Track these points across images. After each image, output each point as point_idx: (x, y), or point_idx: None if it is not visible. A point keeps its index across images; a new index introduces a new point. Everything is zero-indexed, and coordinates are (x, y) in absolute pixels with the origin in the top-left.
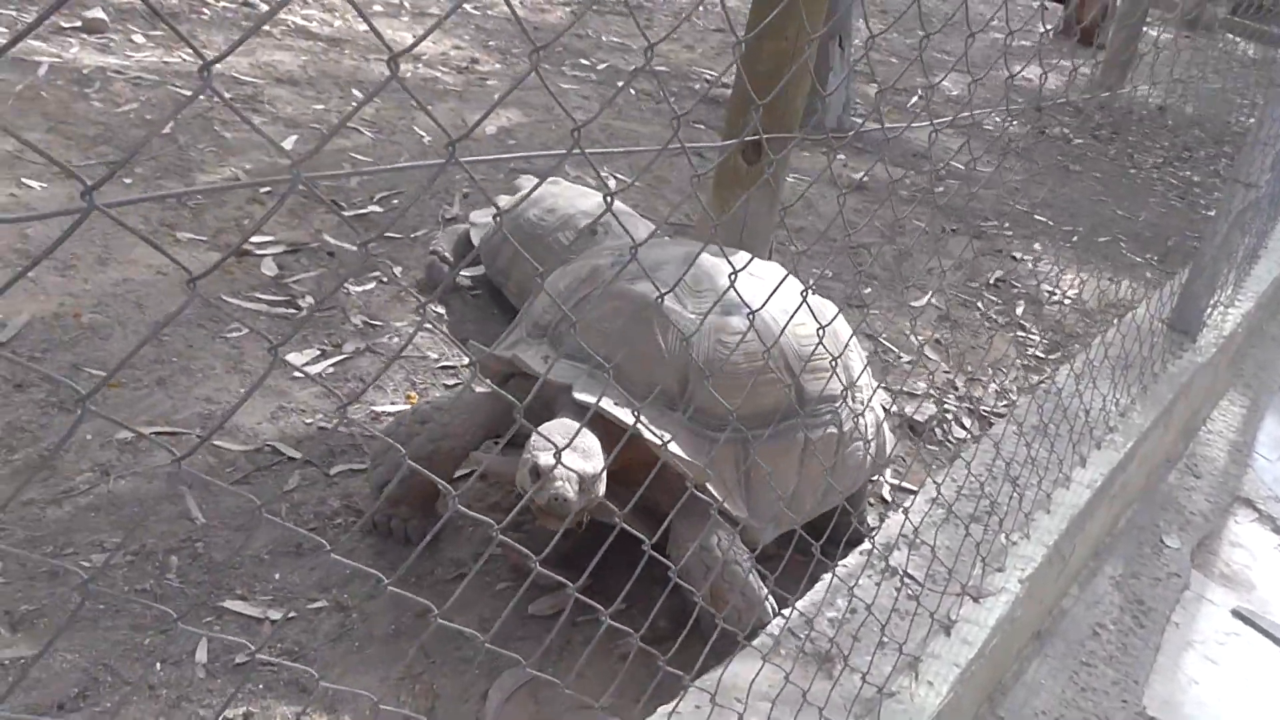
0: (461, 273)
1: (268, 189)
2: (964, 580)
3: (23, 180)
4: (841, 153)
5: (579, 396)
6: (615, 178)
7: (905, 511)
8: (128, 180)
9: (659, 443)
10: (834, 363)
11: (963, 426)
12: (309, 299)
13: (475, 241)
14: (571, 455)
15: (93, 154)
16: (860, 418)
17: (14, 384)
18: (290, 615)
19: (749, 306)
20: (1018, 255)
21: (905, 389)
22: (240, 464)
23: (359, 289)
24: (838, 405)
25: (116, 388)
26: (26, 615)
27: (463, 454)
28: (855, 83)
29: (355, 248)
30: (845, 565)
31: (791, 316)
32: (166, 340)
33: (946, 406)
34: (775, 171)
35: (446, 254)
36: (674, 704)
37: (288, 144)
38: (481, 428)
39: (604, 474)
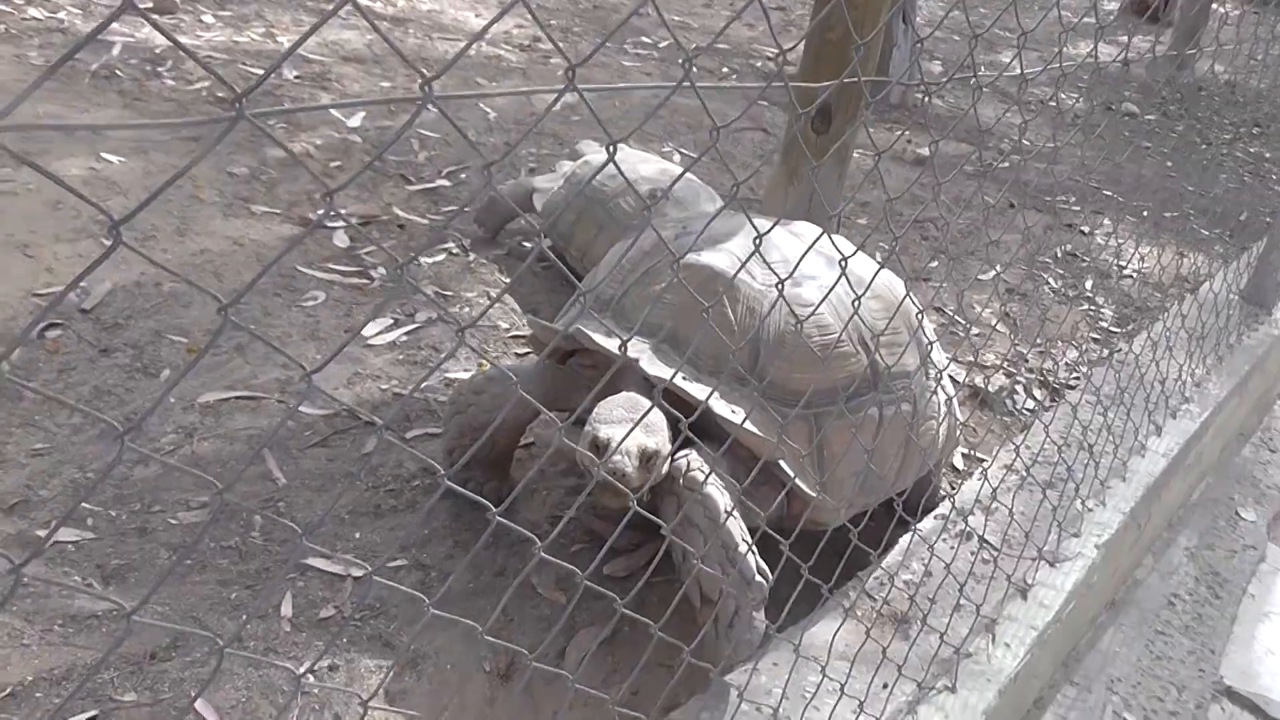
0: (528, 244)
1: (338, 162)
2: (1040, 545)
3: (101, 155)
4: (905, 129)
5: (647, 370)
6: (680, 153)
7: (984, 473)
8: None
9: (734, 420)
10: (910, 336)
11: (1033, 398)
12: (380, 270)
13: (538, 206)
14: (634, 430)
15: (167, 130)
16: (934, 394)
17: (100, 349)
18: (371, 573)
19: (818, 278)
20: (1086, 230)
21: (975, 361)
22: (319, 428)
23: (430, 260)
24: (912, 381)
25: (196, 352)
26: (117, 569)
27: (519, 426)
28: (920, 59)
29: (425, 220)
30: (920, 529)
31: (867, 287)
32: (244, 308)
33: (1017, 378)
34: (845, 140)
35: (505, 197)
36: (753, 662)
37: (354, 121)
38: (539, 400)
39: (668, 451)
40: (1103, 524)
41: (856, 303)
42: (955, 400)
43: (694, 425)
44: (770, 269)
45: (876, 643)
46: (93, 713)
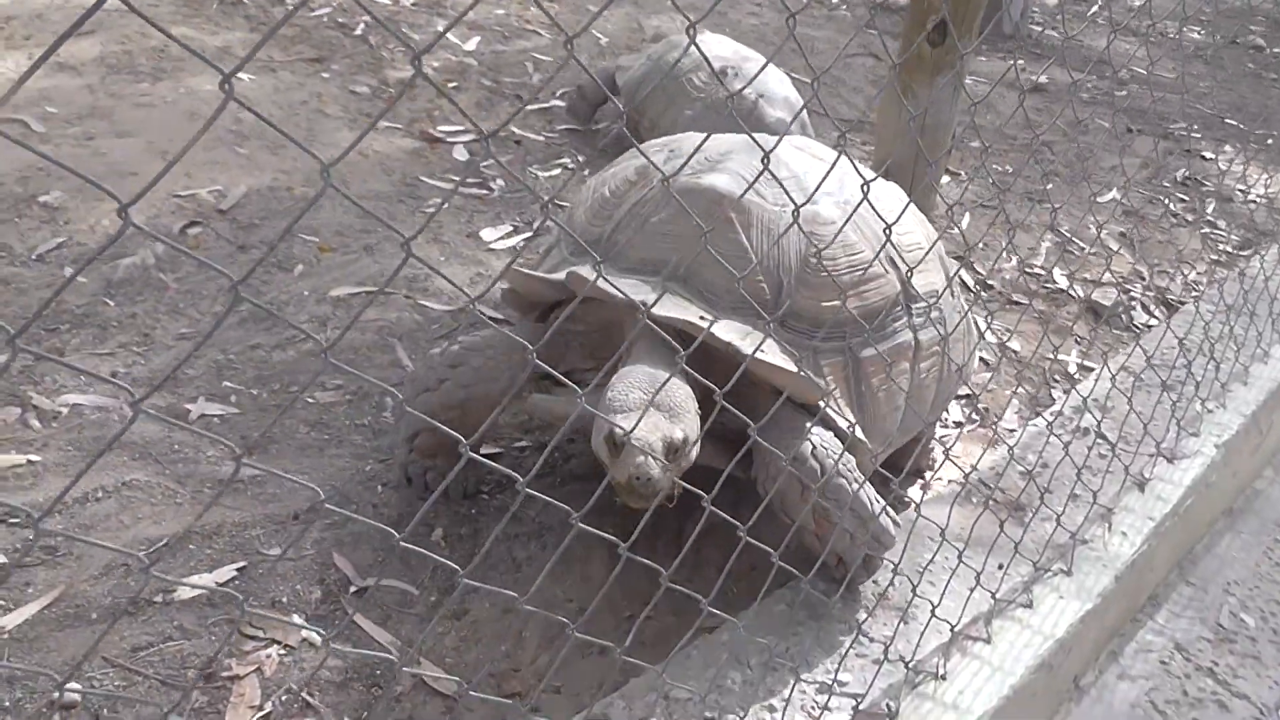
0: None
1: (455, 83)
2: (1158, 440)
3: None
4: (1020, 58)
5: (663, 313)
6: (792, 76)
7: (1105, 358)
8: (325, 75)
9: (791, 368)
10: (930, 247)
11: (1149, 313)
12: (499, 181)
13: (619, 81)
14: (655, 415)
15: (292, 52)
16: (960, 313)
17: (237, 245)
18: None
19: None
20: (1207, 155)
21: (1089, 277)
22: (444, 321)
23: (546, 174)
24: (940, 299)
25: (329, 252)
26: (259, 442)
27: (499, 397)
28: None
29: (540, 138)
30: (1034, 425)
31: (901, 213)
32: (372, 211)
33: (1133, 295)
34: (961, 54)
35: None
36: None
37: (470, 45)
38: (521, 368)
39: (699, 434)
40: (1222, 425)
41: (888, 231)
42: (972, 316)
43: (720, 375)
44: (781, 186)
45: (992, 525)
46: (241, 563)
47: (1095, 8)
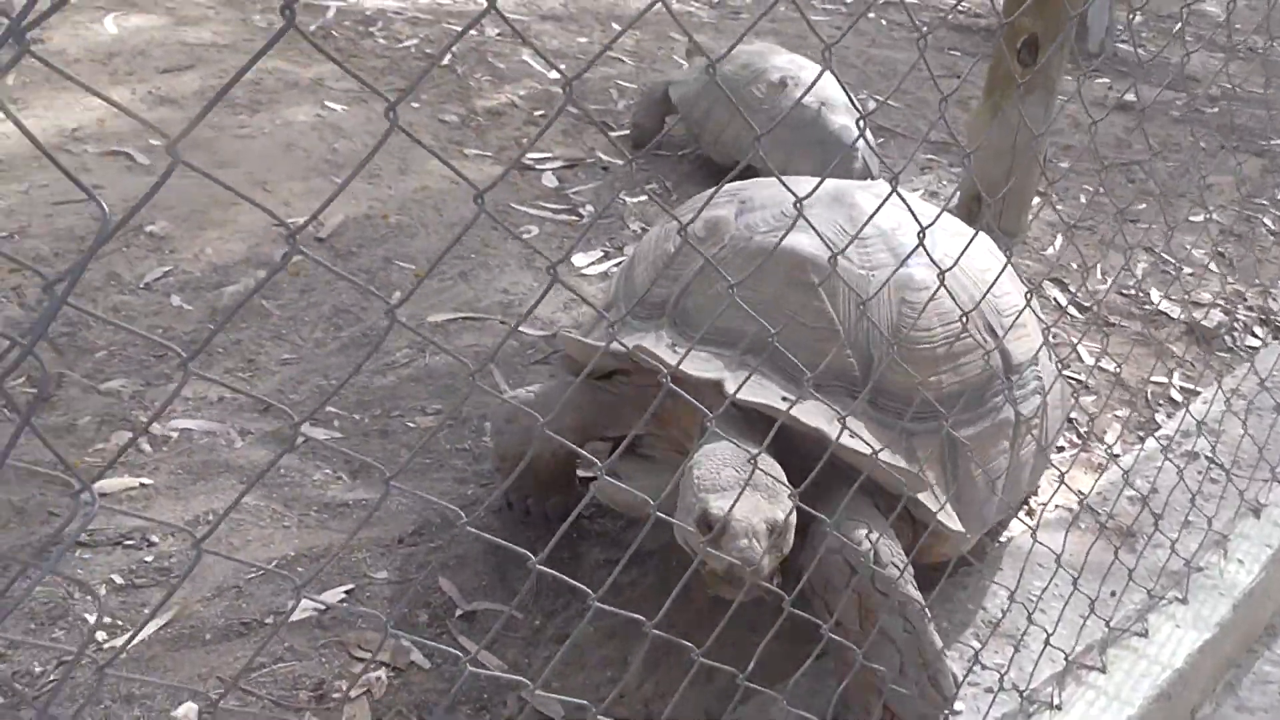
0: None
1: (541, 111)
2: (1273, 465)
3: (325, 103)
4: (1105, 76)
5: (742, 398)
6: (874, 99)
7: (1219, 381)
8: (415, 105)
9: (887, 459)
10: (1027, 307)
11: (1254, 335)
12: (589, 207)
13: (674, 97)
14: (751, 495)
15: (381, 83)
16: (1057, 378)
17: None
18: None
19: (930, 254)
20: None
21: (1190, 299)
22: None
23: (634, 200)
24: (1039, 366)
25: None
26: (362, 466)
27: (556, 461)
28: (1116, 9)
29: (623, 164)
30: (1145, 449)
31: (997, 278)
32: (465, 240)
33: (1236, 315)
34: (1051, 73)
35: (642, 120)
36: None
37: (554, 74)
38: (575, 432)
39: (794, 515)
40: None
41: (983, 294)
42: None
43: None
44: (866, 245)
45: (1105, 552)
46: (349, 586)
47: (1179, 25)
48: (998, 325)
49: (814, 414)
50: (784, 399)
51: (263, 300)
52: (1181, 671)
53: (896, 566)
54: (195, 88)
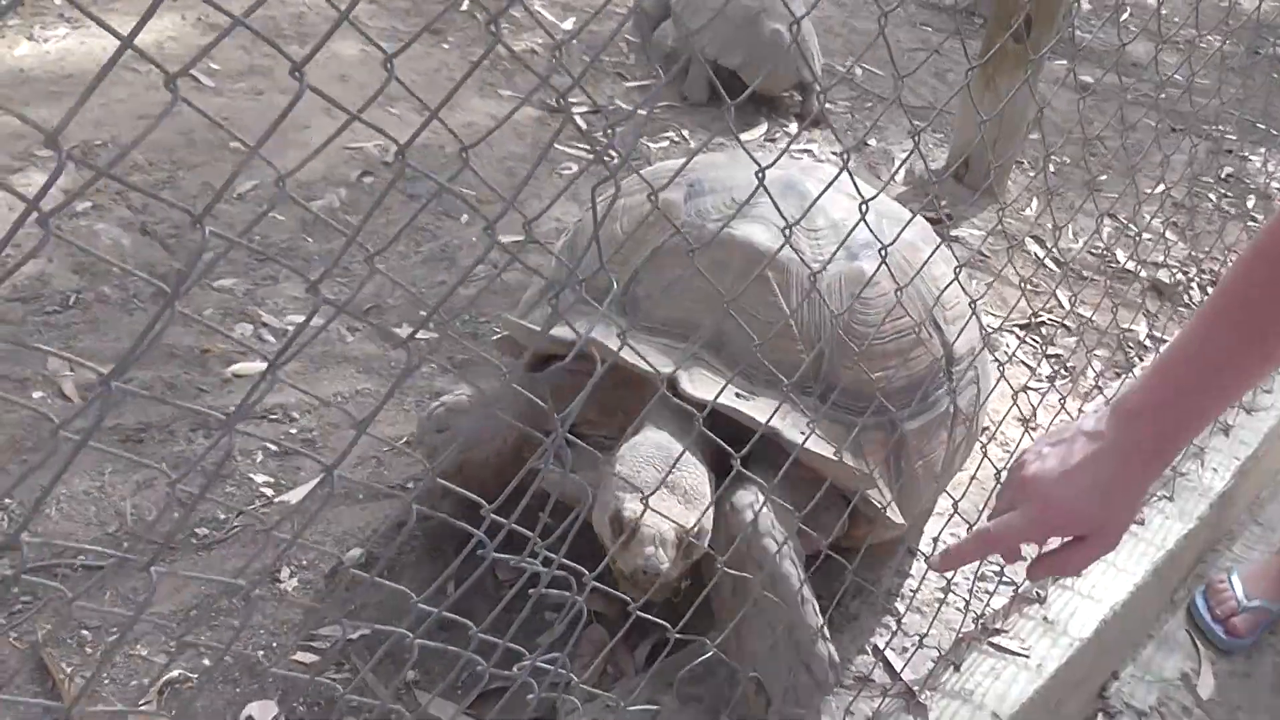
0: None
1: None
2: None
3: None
4: (1064, 59)
5: (692, 393)
6: (862, 67)
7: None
8: (445, 46)
9: (825, 453)
10: (965, 295)
11: (1205, 293)
12: (615, 150)
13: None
14: (668, 498)
15: (410, 23)
16: (991, 363)
17: (407, 195)
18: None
19: (880, 242)
20: (1248, 155)
21: (1149, 261)
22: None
23: (656, 146)
24: (976, 357)
25: (488, 204)
26: (462, 361)
27: (500, 462)
28: None
29: (643, 111)
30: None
31: (937, 266)
32: (515, 174)
33: (1190, 277)
34: (1043, 49)
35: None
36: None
37: (567, 25)
38: (516, 430)
39: (710, 525)
40: None
41: (926, 285)
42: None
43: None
44: (817, 236)
45: None
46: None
47: (1126, 15)
48: (941, 318)
49: (766, 412)
50: (738, 394)
51: (348, 216)
52: (1171, 552)
53: (775, 540)
54: (241, 14)
